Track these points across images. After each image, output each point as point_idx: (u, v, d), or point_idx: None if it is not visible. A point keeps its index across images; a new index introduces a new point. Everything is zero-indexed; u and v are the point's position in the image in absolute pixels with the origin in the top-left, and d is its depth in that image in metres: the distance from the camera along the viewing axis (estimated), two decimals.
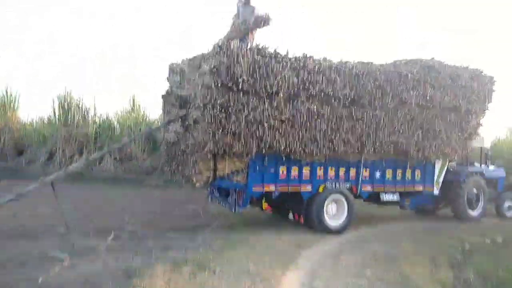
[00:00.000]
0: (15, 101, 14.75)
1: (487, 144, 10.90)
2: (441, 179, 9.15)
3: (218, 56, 6.18)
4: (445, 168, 9.19)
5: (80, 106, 14.33)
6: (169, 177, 10.39)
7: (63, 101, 14.00)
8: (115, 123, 14.85)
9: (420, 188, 8.76)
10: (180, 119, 7.44)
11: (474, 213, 9.71)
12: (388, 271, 5.41)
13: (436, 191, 9.08)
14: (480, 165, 10.18)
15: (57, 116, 14.08)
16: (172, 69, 7.97)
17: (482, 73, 8.97)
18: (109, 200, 10.14)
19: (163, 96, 8.21)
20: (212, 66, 6.16)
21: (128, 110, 15.15)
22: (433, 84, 8.17)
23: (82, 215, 8.00)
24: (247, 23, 7.26)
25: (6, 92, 14.58)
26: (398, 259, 6.06)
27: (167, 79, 8.07)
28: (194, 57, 7.31)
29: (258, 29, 7.43)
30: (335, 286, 4.83)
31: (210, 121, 6.21)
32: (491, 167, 10.45)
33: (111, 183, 12.48)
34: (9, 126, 13.78)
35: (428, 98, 8.12)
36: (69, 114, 14.02)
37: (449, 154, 8.70)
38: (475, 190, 9.70)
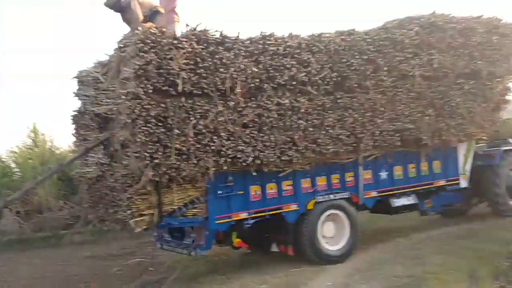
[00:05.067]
0: None
1: None
2: (468, 167, 9.40)
3: (142, 54, 6.08)
4: (472, 152, 9.43)
5: None
6: (97, 227, 10.72)
7: None
8: (12, 164, 14.68)
9: (442, 182, 8.99)
10: (102, 145, 7.34)
11: None
12: None
13: (464, 183, 9.31)
14: None
15: None
16: (82, 80, 7.87)
17: (503, 22, 9.26)
18: (13, 271, 9.71)
19: (73, 118, 8.10)
20: (137, 68, 6.03)
21: (29, 144, 15.02)
22: (440, 47, 8.40)
23: None
24: None
25: None
26: (427, 280, 6.11)
27: (76, 93, 7.94)
28: (110, 59, 7.21)
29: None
30: None
31: (144, 140, 6.08)
32: None
33: (16, 247, 12.08)
34: None
35: (435, 66, 8.33)
36: None
37: (474, 133, 8.89)
38: None
